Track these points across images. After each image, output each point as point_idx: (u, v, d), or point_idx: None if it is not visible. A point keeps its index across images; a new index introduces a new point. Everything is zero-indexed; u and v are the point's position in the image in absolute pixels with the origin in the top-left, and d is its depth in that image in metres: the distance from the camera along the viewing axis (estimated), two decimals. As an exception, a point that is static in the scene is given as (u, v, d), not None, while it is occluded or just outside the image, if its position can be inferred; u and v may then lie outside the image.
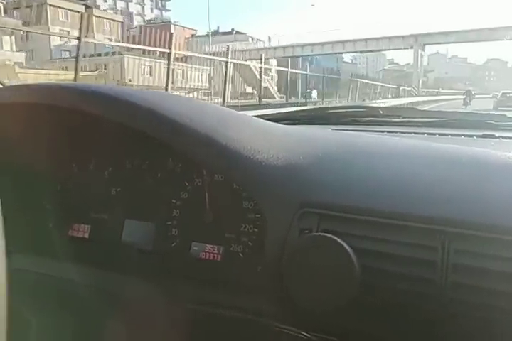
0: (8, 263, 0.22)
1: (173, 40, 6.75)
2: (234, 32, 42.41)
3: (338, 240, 0.41)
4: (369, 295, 0.42)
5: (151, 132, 0.55)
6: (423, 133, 0.86)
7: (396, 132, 0.87)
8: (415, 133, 0.86)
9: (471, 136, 0.82)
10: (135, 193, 0.67)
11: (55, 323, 0.62)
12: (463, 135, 0.83)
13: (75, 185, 0.71)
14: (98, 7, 36.17)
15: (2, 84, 0.82)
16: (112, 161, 0.69)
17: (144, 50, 7.17)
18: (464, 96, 18.12)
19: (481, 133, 0.82)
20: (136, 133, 0.56)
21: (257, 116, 0.87)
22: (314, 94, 15.50)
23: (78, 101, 0.54)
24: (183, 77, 10.43)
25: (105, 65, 9.18)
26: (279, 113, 1.22)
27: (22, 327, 0.57)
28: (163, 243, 0.62)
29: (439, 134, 0.85)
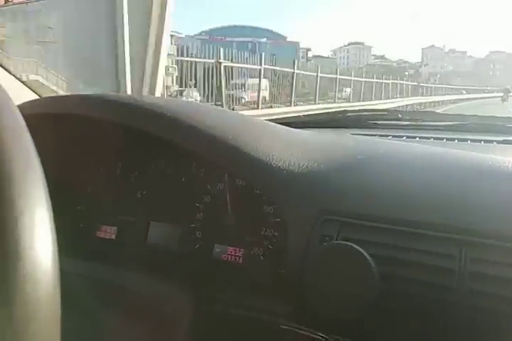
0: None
1: None
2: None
3: (358, 248, 0.42)
4: (388, 301, 0.43)
5: (175, 140, 0.57)
6: (442, 139, 0.86)
7: (415, 137, 0.88)
8: (434, 138, 0.87)
9: (491, 141, 0.82)
10: (160, 196, 0.70)
11: (82, 321, 0.65)
12: (483, 140, 0.83)
13: (103, 188, 0.74)
14: None
15: (39, 95, 0.86)
16: (138, 166, 0.72)
17: None
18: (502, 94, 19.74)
19: (501, 139, 0.82)
20: (160, 140, 0.59)
21: (275, 120, 0.89)
22: (195, 95, 8.75)
23: (117, 114, 0.57)
24: None
25: None
26: (298, 116, 1.24)
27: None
28: (187, 245, 0.65)
29: (459, 139, 0.85)
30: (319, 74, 11.52)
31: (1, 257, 0.21)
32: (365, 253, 0.42)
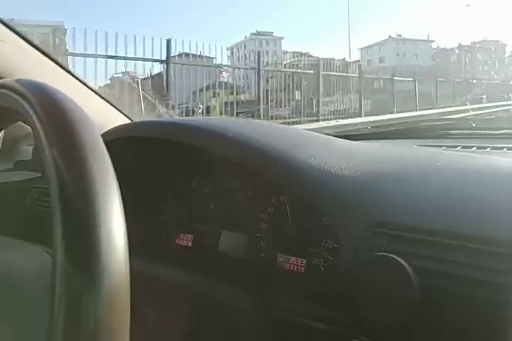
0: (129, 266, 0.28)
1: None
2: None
3: (398, 259, 0.44)
4: (431, 313, 0.44)
5: (240, 161, 0.65)
6: None
7: (486, 147, 0.85)
8: (508, 148, 0.83)
9: None
10: (230, 207, 0.76)
11: (161, 320, 0.73)
12: None
13: (182, 201, 0.83)
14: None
15: (130, 119, 0.99)
16: (211, 181, 0.80)
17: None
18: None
19: None
20: (229, 159, 0.66)
21: (341, 133, 0.92)
22: None
23: (195, 138, 0.68)
24: None
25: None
26: (366, 128, 1.24)
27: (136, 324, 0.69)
28: (253, 253, 0.70)
29: None
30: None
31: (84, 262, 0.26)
32: (407, 265, 0.44)
